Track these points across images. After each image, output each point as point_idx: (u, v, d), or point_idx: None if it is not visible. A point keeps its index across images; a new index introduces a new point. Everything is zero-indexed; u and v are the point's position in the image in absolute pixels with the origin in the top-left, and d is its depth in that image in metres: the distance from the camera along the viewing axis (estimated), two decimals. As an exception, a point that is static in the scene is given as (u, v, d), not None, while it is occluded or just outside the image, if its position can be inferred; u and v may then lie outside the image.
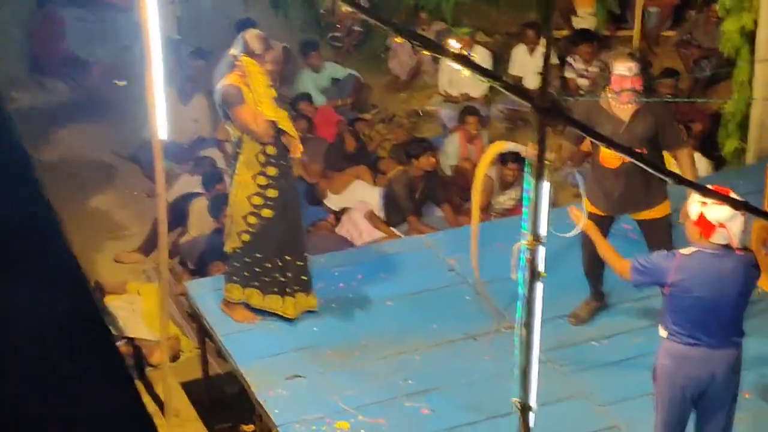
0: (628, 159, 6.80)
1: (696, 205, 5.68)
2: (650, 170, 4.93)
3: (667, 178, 4.72)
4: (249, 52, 7.16)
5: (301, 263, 7.60)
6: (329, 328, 7.71)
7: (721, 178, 9.45)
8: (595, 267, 7.35)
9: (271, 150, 7.30)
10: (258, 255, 7.47)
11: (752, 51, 9.47)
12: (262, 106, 7.16)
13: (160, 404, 7.67)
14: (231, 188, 7.46)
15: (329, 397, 7.03)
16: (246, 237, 7.41)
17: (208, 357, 8.06)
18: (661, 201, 7.23)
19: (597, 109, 7.04)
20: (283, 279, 7.55)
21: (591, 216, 6.82)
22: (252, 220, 7.39)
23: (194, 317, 8.20)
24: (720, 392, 5.92)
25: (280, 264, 7.51)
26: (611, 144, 5.03)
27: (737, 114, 9.74)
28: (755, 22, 9.40)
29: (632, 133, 6.96)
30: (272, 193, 7.36)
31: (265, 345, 7.51)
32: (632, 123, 7.00)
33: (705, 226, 5.66)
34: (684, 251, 5.80)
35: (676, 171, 6.70)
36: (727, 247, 5.70)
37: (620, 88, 6.93)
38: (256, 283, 7.53)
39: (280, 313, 7.62)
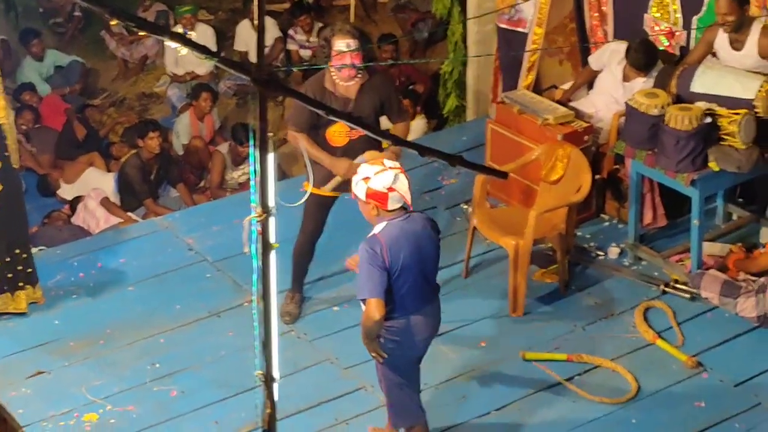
0: (354, 136, 6.95)
1: (360, 185, 5.75)
2: (376, 137, 5.01)
3: (388, 140, 4.80)
4: None
5: (26, 255, 7.46)
6: (71, 319, 7.56)
7: (443, 136, 9.80)
8: (308, 254, 7.39)
9: (-7, 144, 7.14)
10: None
11: (463, 11, 9.74)
12: None
13: None
14: None
15: (76, 390, 6.91)
16: (-27, 237, 7.21)
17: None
18: None
19: (322, 91, 7.02)
20: (11, 275, 7.39)
21: (316, 197, 6.83)
22: None
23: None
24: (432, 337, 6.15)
25: (8, 259, 7.35)
26: (338, 114, 5.08)
27: (455, 73, 10.02)
28: (463, -17, 9.70)
29: (359, 110, 7.00)
30: None
31: (4, 344, 7.30)
32: (358, 100, 7.03)
33: (377, 197, 5.73)
34: (376, 231, 5.80)
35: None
36: (404, 209, 5.80)
37: (340, 64, 6.93)
38: None
39: (12, 311, 7.46)
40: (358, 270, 5.90)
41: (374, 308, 5.71)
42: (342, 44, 6.93)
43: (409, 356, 6.02)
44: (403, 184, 5.73)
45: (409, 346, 5.95)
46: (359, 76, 7.02)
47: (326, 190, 6.98)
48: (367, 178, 5.73)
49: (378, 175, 5.71)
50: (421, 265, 5.83)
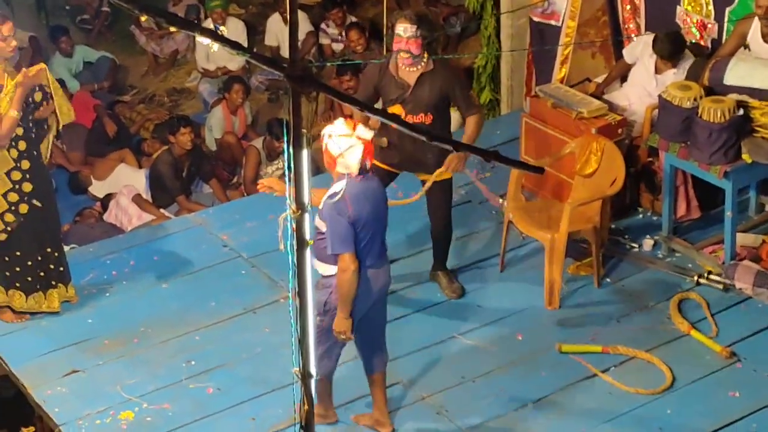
0: (410, 120, 6.98)
1: (324, 138, 5.94)
2: (416, 135, 5.01)
3: (443, 145, 4.74)
4: None
5: (59, 254, 7.48)
6: (105, 318, 7.56)
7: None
8: None
9: (22, 145, 7.14)
10: (18, 253, 7.30)
11: (496, 5, 9.71)
12: (2, 106, 6.97)
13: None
14: None
15: (111, 389, 6.91)
16: (3, 236, 7.22)
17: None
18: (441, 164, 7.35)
19: (383, 73, 7.15)
20: (43, 273, 7.41)
21: (377, 169, 6.84)
22: (9, 218, 7.19)
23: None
24: (382, 303, 6.27)
25: (40, 258, 7.37)
26: (369, 110, 5.08)
27: (488, 67, 10.00)
28: (497, -23, 9.66)
29: (417, 97, 7.08)
30: (27, 187, 7.20)
31: (39, 343, 7.31)
32: (416, 88, 7.10)
33: (329, 157, 5.94)
34: (338, 188, 5.95)
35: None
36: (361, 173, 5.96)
37: (397, 49, 7.04)
38: (18, 284, 7.37)
39: (45, 310, 7.48)
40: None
41: (350, 260, 5.91)
42: (400, 29, 7.04)
43: (360, 310, 6.10)
44: (354, 157, 5.88)
45: (361, 300, 6.06)
46: (422, 63, 7.10)
47: None
48: (330, 135, 5.91)
49: (339, 138, 5.88)
50: (377, 223, 6.03)
